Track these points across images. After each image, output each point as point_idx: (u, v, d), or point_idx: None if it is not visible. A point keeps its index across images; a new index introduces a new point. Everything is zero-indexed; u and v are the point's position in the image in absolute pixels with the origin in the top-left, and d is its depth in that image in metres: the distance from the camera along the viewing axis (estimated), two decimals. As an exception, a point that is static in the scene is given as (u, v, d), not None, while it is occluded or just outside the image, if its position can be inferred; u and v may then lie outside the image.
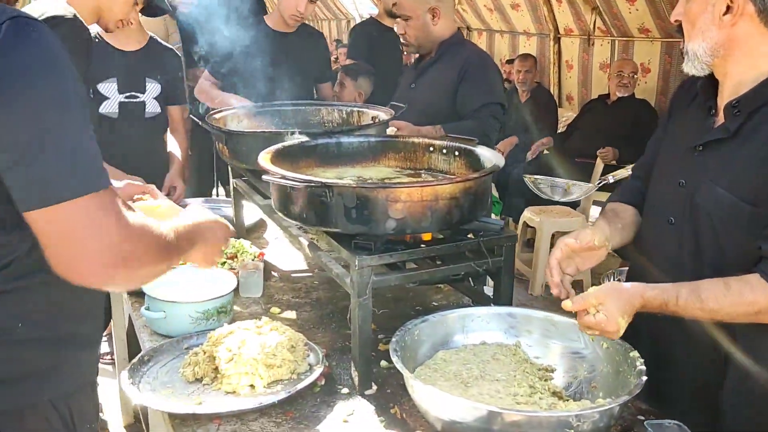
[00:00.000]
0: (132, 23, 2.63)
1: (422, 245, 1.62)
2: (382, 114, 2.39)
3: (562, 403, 1.37)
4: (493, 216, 3.37)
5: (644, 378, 1.30)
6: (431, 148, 2.04)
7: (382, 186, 1.55)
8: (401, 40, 2.89)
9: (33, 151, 1.03)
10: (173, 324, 1.78)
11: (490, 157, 1.81)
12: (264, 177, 1.60)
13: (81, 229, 1.07)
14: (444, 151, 2.01)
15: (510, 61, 6.78)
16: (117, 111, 2.84)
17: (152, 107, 2.93)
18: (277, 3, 3.30)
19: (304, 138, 1.99)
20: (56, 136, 1.04)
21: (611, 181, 1.95)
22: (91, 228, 1.07)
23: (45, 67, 1.05)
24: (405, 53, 3.79)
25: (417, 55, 3.02)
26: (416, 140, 2.07)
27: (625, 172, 1.99)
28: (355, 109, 2.53)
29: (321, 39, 3.56)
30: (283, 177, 1.57)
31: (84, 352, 1.29)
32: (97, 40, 2.80)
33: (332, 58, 8.14)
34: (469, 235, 1.68)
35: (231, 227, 1.55)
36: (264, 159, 1.74)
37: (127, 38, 2.85)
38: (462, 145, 1.96)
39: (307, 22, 3.46)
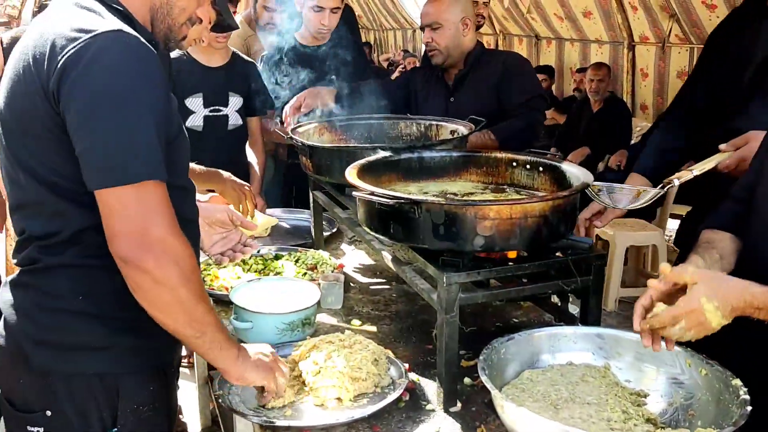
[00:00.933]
0: (204, 41, 2.72)
1: (509, 263, 1.61)
2: (462, 128, 2.38)
3: (658, 431, 1.33)
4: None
5: (749, 408, 1.24)
6: (514, 163, 2.02)
7: (471, 203, 1.54)
8: (426, 48, 2.86)
9: (87, 144, 1.23)
10: (260, 334, 1.82)
11: (577, 173, 1.78)
12: (354, 193, 1.63)
13: (117, 211, 1.23)
14: (528, 166, 1.99)
15: (581, 70, 6.66)
16: (202, 124, 2.95)
17: (234, 119, 3.03)
18: (304, 20, 3.32)
19: (387, 153, 2.00)
20: (106, 133, 1.21)
21: (676, 183, 1.87)
22: (125, 211, 1.23)
23: (115, 79, 1.21)
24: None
25: (430, 70, 2.98)
26: (499, 155, 2.05)
27: (689, 174, 1.90)
28: (433, 122, 2.54)
29: (356, 47, 3.57)
30: (372, 193, 1.59)
31: (141, 339, 1.37)
32: (185, 57, 2.91)
33: (399, 68, 8.19)
34: (557, 254, 1.65)
35: (281, 372, 1.53)
36: (351, 174, 1.77)
37: (212, 55, 2.96)
38: (546, 161, 1.94)
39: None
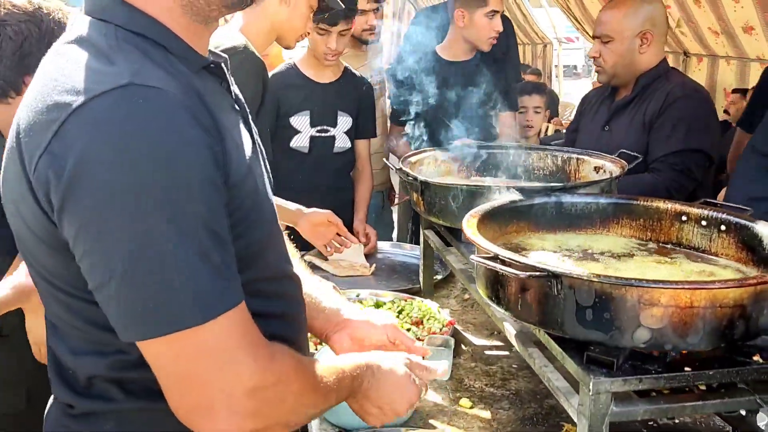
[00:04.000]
0: (309, 33, 2.38)
1: (685, 367, 1.16)
2: (610, 165, 1.94)
3: None
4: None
5: None
6: (684, 217, 1.56)
7: (636, 283, 1.12)
8: (593, 63, 2.38)
9: (96, 280, 0.83)
10: (345, 415, 1.48)
11: (782, 240, 1.30)
12: (473, 258, 1.24)
13: (158, 371, 0.86)
14: (704, 222, 1.52)
15: (737, 91, 5.89)
16: (308, 146, 2.68)
17: (342, 142, 2.74)
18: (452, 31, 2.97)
19: (517, 196, 1.61)
20: (119, 264, 0.80)
21: None
22: (167, 374, 0.85)
23: (119, 175, 0.78)
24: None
25: (599, 89, 2.51)
26: (662, 205, 1.60)
27: None
28: (573, 155, 2.10)
29: (504, 65, 3.16)
30: (497, 258, 1.20)
31: None
32: (293, 70, 2.66)
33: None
34: (755, 357, 1.18)
35: (421, 391, 1.20)
36: (470, 225, 1.39)
37: (323, 70, 2.68)
38: (732, 218, 1.46)
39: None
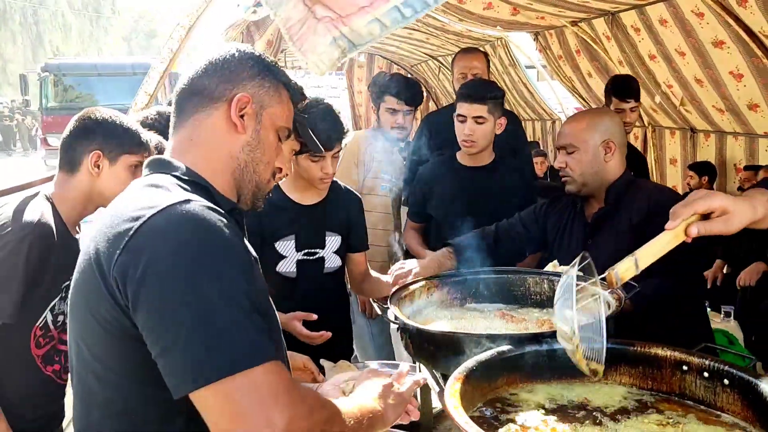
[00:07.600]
0: (289, 173, 2.35)
1: None
2: (606, 294, 1.85)
3: None
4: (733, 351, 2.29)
5: None
6: (684, 367, 1.46)
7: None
8: (560, 174, 2.35)
9: (167, 342, 1.06)
10: None
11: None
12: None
13: (234, 409, 1.04)
14: (706, 374, 1.42)
15: (750, 168, 5.82)
16: (295, 270, 2.56)
17: (331, 262, 2.61)
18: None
19: (505, 347, 1.53)
20: (187, 324, 1.05)
21: None
22: (246, 407, 1.03)
23: (181, 261, 1.08)
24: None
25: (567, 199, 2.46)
26: (661, 352, 1.51)
27: None
28: (570, 281, 2.02)
29: (525, 174, 3.12)
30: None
31: None
32: (276, 192, 2.54)
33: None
34: None
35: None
36: (452, 394, 1.31)
37: (306, 191, 2.57)
38: (736, 372, 1.37)
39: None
